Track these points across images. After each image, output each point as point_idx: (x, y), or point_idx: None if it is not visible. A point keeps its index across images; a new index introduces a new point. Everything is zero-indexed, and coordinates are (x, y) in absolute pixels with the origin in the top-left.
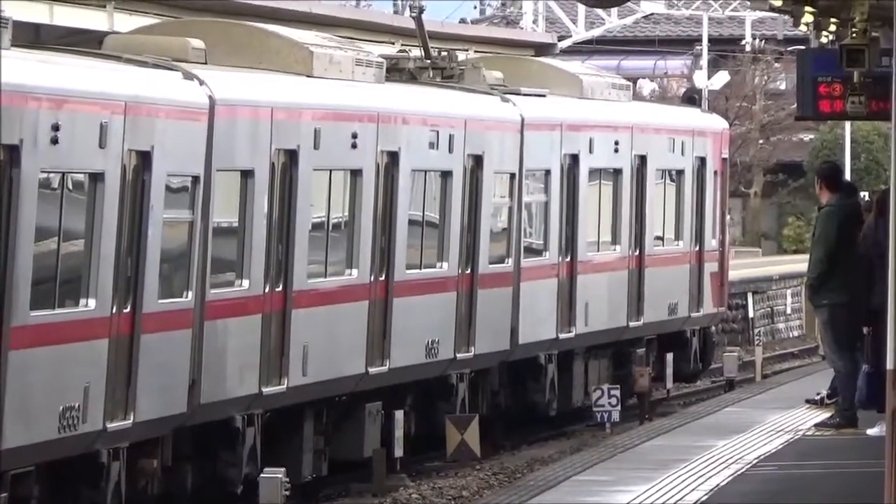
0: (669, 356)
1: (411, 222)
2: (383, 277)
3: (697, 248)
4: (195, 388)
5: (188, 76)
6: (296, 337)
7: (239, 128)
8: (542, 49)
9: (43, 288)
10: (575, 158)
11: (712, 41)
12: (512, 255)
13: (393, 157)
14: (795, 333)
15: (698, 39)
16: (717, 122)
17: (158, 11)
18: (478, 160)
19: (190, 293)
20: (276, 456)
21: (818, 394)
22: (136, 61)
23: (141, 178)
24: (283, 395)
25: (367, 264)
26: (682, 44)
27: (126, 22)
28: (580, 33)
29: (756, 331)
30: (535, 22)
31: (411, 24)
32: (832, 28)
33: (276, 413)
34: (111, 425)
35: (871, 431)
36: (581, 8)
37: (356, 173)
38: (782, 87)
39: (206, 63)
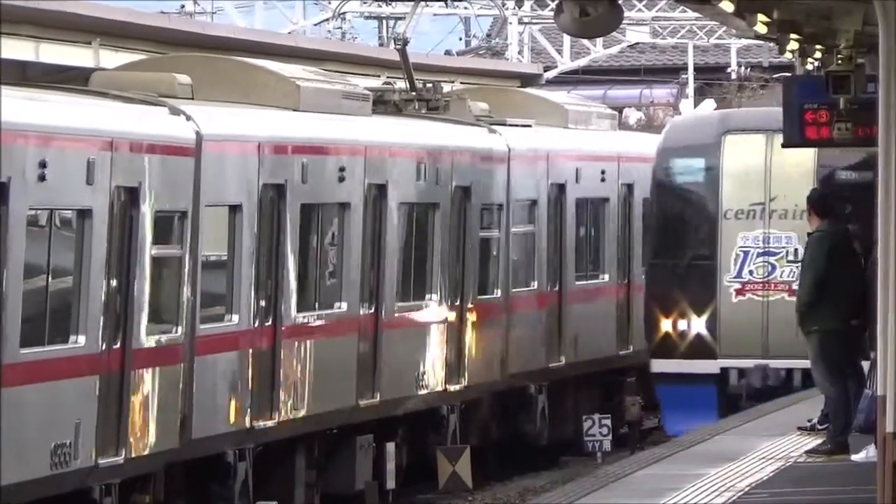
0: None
1: (400, 255)
2: (372, 310)
3: None
4: (186, 423)
5: (175, 112)
6: (286, 371)
7: (226, 163)
8: (528, 80)
9: (33, 325)
10: (562, 188)
11: (698, 69)
12: (500, 286)
13: (381, 189)
14: None
15: (684, 68)
16: None
17: (144, 48)
18: (465, 191)
19: (179, 329)
20: (268, 490)
21: (809, 421)
22: (123, 97)
23: (129, 214)
24: (274, 429)
25: (356, 298)
26: (668, 72)
27: (112, 58)
28: (566, 63)
29: None
30: (520, 53)
31: (396, 57)
32: (817, 55)
33: (267, 447)
34: (103, 461)
35: (855, 457)
36: (566, 38)
37: (344, 206)
38: None
39: (192, 98)
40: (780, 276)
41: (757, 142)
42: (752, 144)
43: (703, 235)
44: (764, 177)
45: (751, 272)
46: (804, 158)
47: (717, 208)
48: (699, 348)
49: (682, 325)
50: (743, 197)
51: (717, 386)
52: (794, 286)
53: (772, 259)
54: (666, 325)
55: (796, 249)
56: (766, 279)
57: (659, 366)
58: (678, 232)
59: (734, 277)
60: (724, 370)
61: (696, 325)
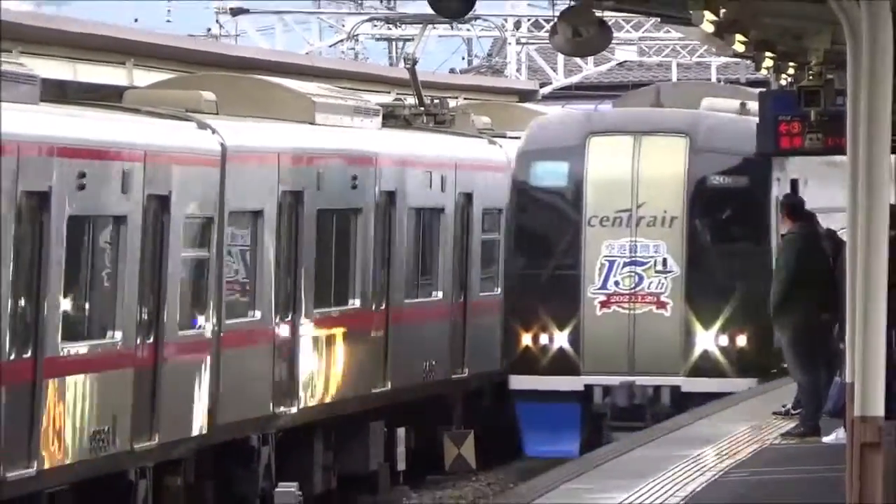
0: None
1: (408, 255)
2: (383, 306)
3: None
4: (214, 410)
5: (202, 126)
6: (304, 361)
7: (249, 172)
8: (526, 95)
9: (73, 321)
10: None
11: None
12: (500, 283)
13: (390, 196)
14: None
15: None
16: None
17: (173, 67)
18: (468, 197)
19: (207, 324)
20: (289, 471)
21: (783, 406)
22: (154, 113)
23: (160, 220)
24: (294, 415)
25: (369, 294)
26: None
27: (144, 77)
28: (560, 80)
29: None
30: (518, 70)
31: (405, 75)
32: (790, 71)
33: (288, 432)
34: (138, 446)
35: (826, 439)
36: (561, 57)
37: (357, 212)
38: None
39: (217, 113)
40: (648, 288)
41: (624, 144)
42: (619, 147)
43: (566, 244)
44: (631, 181)
45: (616, 283)
46: (674, 162)
47: (581, 215)
48: (561, 364)
49: (543, 339)
50: (609, 203)
51: (581, 404)
52: (663, 298)
53: (639, 269)
54: (526, 339)
55: (665, 259)
56: (632, 290)
57: (518, 382)
58: (539, 240)
59: (599, 288)
60: (588, 387)
61: (559, 339)
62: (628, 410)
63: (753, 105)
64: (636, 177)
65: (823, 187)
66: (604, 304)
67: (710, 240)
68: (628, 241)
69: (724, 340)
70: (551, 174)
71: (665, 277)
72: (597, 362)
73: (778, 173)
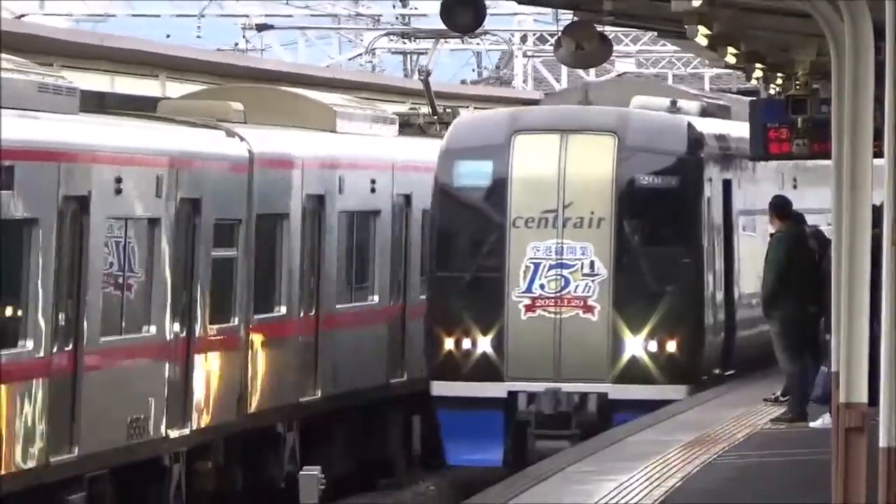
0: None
1: (424, 254)
2: (401, 302)
3: None
4: (243, 399)
5: (230, 134)
6: (326, 354)
7: (274, 177)
8: (532, 104)
9: (111, 317)
10: None
11: None
12: None
13: (407, 199)
14: None
15: None
16: None
17: (203, 79)
18: None
19: (236, 319)
20: (313, 456)
21: (773, 393)
22: (186, 122)
23: (192, 222)
24: (318, 404)
25: (387, 291)
26: None
27: (176, 89)
28: None
29: None
30: (525, 81)
31: (420, 86)
32: (779, 81)
33: (312, 420)
34: (172, 433)
35: (813, 424)
36: (564, 68)
37: (376, 213)
38: None
39: (245, 122)
40: (575, 291)
41: (550, 143)
42: (545, 145)
43: (490, 246)
44: (557, 181)
45: (542, 286)
46: (602, 162)
47: (505, 216)
48: (485, 370)
49: (466, 343)
50: (534, 203)
51: (504, 411)
52: (590, 302)
53: (565, 272)
54: (449, 343)
55: (592, 262)
56: (558, 294)
57: (440, 388)
58: (462, 242)
59: (524, 292)
60: (512, 394)
61: (482, 344)
62: (553, 418)
63: (685, 103)
64: (562, 176)
65: (756, 189)
66: (528, 308)
67: (639, 242)
68: (554, 243)
69: (653, 346)
70: (475, 173)
71: (592, 281)
72: (521, 368)
73: (710, 174)
